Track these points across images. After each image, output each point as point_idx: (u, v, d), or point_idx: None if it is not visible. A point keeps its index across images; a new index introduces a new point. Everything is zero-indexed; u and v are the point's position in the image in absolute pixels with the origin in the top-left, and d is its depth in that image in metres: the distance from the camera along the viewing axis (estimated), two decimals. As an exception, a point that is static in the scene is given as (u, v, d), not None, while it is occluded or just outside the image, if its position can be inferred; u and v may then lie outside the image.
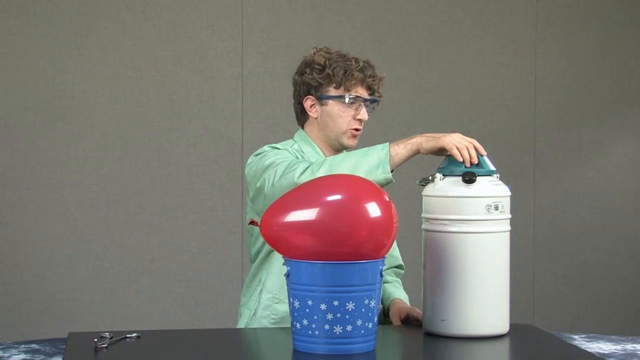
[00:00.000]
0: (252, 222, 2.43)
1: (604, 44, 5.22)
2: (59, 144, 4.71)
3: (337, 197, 2.33)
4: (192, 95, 4.82)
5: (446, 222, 2.47)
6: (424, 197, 2.55)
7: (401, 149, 2.56)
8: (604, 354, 2.47)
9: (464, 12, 5.07)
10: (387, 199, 2.35)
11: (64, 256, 4.72)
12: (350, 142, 2.79)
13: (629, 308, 5.27)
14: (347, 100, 2.74)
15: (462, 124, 5.06)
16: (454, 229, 2.46)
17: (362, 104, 2.76)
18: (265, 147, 2.78)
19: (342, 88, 2.75)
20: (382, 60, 5.00)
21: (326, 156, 2.79)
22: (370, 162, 2.56)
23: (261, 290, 2.82)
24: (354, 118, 2.76)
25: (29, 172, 4.70)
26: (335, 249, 2.28)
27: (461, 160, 2.48)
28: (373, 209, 2.30)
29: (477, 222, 2.46)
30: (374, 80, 2.76)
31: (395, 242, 2.96)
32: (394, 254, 2.98)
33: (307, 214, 2.31)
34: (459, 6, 5.07)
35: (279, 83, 4.84)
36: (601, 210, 5.25)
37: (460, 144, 2.50)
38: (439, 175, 2.52)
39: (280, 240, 2.35)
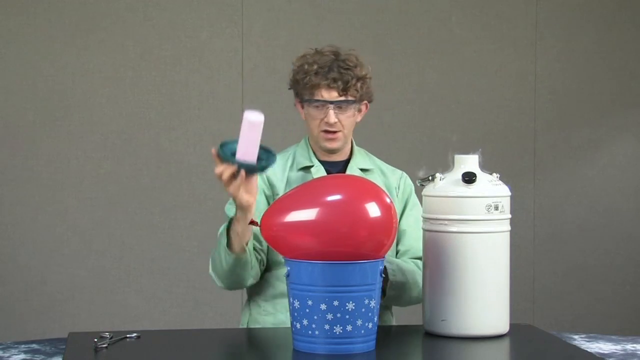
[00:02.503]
0: (251, 222, 2.43)
1: (604, 44, 5.22)
2: (59, 144, 4.71)
3: (337, 197, 2.34)
4: (192, 95, 4.82)
5: (446, 222, 2.47)
6: (424, 197, 2.55)
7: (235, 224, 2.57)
8: (604, 354, 2.47)
9: (464, 12, 5.07)
10: (388, 200, 2.35)
11: (64, 256, 4.72)
12: (327, 144, 2.77)
13: (629, 308, 5.27)
14: (311, 104, 2.74)
15: (462, 124, 5.06)
16: (454, 229, 2.46)
17: (329, 107, 2.72)
18: None
19: (307, 92, 2.74)
20: (382, 60, 5.01)
21: (318, 158, 2.81)
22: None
23: (249, 301, 2.86)
24: (323, 121, 2.74)
25: (29, 172, 4.70)
26: (335, 249, 2.28)
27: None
28: (373, 209, 2.31)
29: (477, 222, 2.46)
30: (335, 82, 2.70)
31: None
32: (414, 244, 2.80)
33: (307, 214, 2.31)
34: (459, 6, 5.06)
35: (279, 83, 4.84)
36: (601, 210, 5.25)
37: (224, 182, 2.49)
38: (439, 175, 2.53)
39: (280, 240, 2.35)
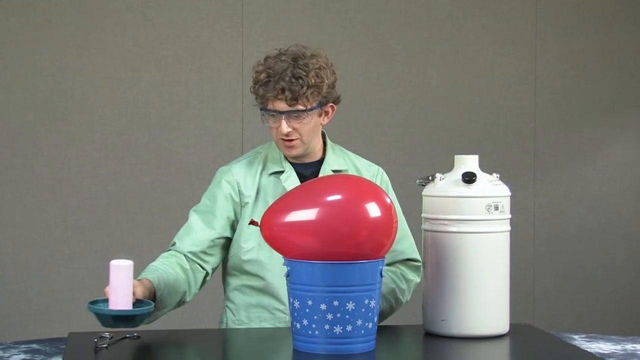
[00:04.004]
0: (252, 222, 2.43)
1: (604, 44, 5.22)
2: (59, 144, 4.72)
3: (337, 197, 2.33)
4: (192, 95, 4.82)
5: (446, 222, 2.47)
6: (424, 197, 2.55)
7: None
8: (604, 354, 2.47)
9: (464, 12, 5.07)
10: (388, 200, 2.35)
11: (64, 256, 4.72)
12: (286, 152, 2.71)
13: (629, 308, 5.27)
14: (264, 114, 2.68)
15: (462, 124, 5.06)
16: (454, 229, 2.46)
17: (281, 117, 2.64)
18: (217, 174, 2.85)
19: (259, 102, 2.68)
20: (382, 60, 5.01)
21: (289, 161, 2.76)
22: None
23: (225, 307, 2.85)
24: (278, 130, 2.67)
25: (29, 172, 4.70)
26: (335, 249, 2.28)
27: None
28: (373, 210, 2.30)
29: (477, 222, 2.46)
30: (283, 93, 2.61)
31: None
32: (396, 247, 2.74)
33: (307, 214, 2.31)
34: (459, 6, 5.06)
35: (279, 83, 4.84)
36: (601, 210, 5.25)
37: None
38: (439, 175, 2.53)
39: (280, 240, 2.35)
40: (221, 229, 2.73)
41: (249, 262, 2.72)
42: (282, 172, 2.75)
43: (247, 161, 2.80)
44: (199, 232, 2.72)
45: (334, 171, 2.76)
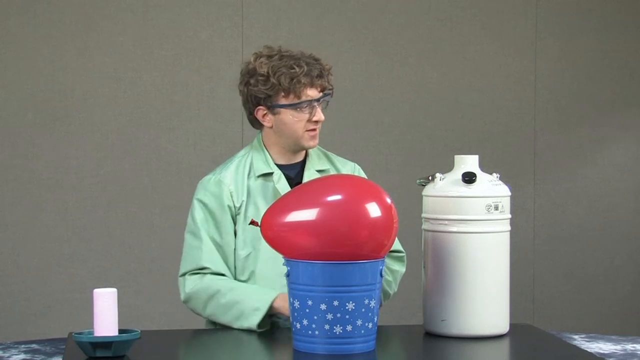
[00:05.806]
0: (252, 222, 2.43)
1: (604, 44, 5.22)
2: (59, 144, 4.72)
3: (338, 197, 2.34)
4: (192, 95, 4.82)
5: (446, 222, 2.47)
6: (424, 197, 2.55)
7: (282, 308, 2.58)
8: (604, 354, 2.47)
9: (464, 12, 5.07)
10: (388, 200, 2.35)
11: (64, 256, 4.72)
12: (311, 143, 2.72)
13: (629, 308, 5.27)
14: (299, 107, 2.67)
15: (462, 124, 5.06)
16: (454, 229, 2.46)
17: (315, 105, 2.68)
18: (208, 186, 2.74)
19: (291, 95, 2.67)
20: (382, 60, 5.01)
21: (278, 164, 2.75)
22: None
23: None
24: (309, 120, 2.69)
25: (29, 172, 4.70)
26: (335, 249, 2.28)
27: None
28: (373, 210, 2.31)
29: (477, 222, 2.46)
30: (321, 77, 2.68)
31: None
32: None
33: (307, 214, 2.31)
34: (459, 6, 5.06)
35: (279, 83, 4.83)
36: (601, 210, 5.25)
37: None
38: (439, 175, 2.53)
39: (280, 240, 2.35)
40: (233, 243, 2.74)
41: (244, 270, 2.73)
42: (270, 173, 2.74)
43: (234, 168, 2.77)
44: (219, 250, 2.74)
45: (318, 171, 2.78)
